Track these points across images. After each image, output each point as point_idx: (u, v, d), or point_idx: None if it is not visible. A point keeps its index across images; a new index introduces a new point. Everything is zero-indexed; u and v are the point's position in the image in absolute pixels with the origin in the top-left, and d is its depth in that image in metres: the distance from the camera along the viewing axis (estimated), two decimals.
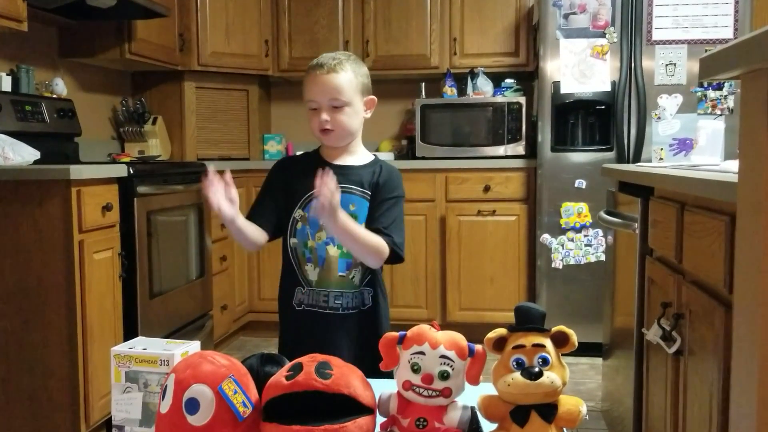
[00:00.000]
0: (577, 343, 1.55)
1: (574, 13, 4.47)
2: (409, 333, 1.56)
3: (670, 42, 4.39)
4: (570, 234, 4.58)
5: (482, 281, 4.91)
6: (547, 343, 1.52)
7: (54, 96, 4.15)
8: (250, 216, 2.31)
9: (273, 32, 5.49)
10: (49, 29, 4.31)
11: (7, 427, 3.17)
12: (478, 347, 1.54)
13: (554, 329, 1.54)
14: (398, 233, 2.26)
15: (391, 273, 5.00)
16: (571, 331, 1.54)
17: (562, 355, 1.55)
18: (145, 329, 3.51)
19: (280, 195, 2.32)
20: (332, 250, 2.25)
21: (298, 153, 2.53)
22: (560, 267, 4.61)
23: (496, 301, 4.88)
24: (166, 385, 1.48)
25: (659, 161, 4.37)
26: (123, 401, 1.63)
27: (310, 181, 2.07)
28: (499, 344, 1.54)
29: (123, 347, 1.66)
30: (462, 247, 4.93)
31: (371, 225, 2.24)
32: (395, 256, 2.26)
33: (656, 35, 4.40)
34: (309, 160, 2.37)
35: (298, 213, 2.28)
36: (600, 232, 4.49)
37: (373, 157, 2.41)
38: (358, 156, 2.38)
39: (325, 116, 2.22)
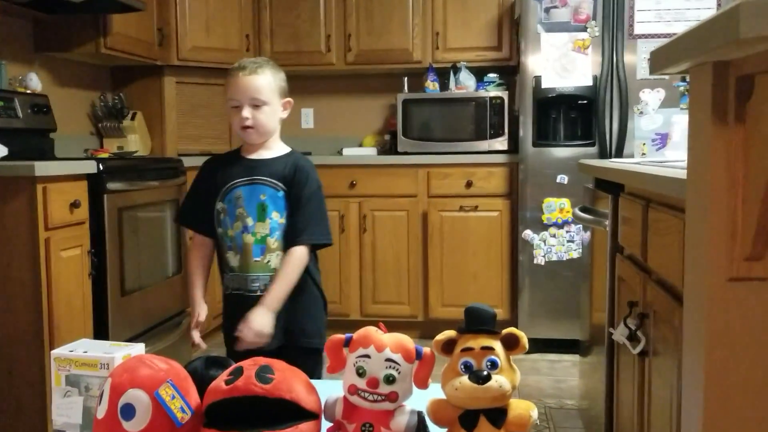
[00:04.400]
0: (527, 346, 1.51)
1: (555, 7, 4.42)
2: (355, 335, 1.52)
3: (653, 36, 4.34)
4: (552, 230, 4.54)
5: (465, 277, 4.87)
6: (497, 345, 1.48)
7: (28, 91, 4.08)
8: (190, 219, 2.70)
9: (254, 26, 5.43)
10: (23, 23, 4.25)
11: None
12: (426, 350, 1.51)
13: (504, 331, 1.51)
14: (317, 226, 2.52)
15: (373, 269, 4.97)
16: (521, 333, 1.50)
17: (520, 355, 1.52)
18: (116, 328, 3.46)
19: (209, 192, 2.55)
20: (248, 238, 2.48)
21: (222, 153, 2.74)
22: (542, 263, 4.57)
23: (478, 297, 4.81)
24: (103, 390, 1.44)
25: (642, 156, 4.33)
26: (63, 406, 1.59)
27: (228, 173, 2.52)
28: (449, 346, 1.50)
29: (63, 350, 1.61)
30: (444, 243, 4.88)
31: (289, 229, 2.49)
32: (320, 246, 2.59)
33: (638, 29, 4.35)
34: (230, 156, 2.62)
35: (219, 205, 2.53)
36: (582, 227, 4.45)
37: (288, 150, 2.63)
38: (274, 151, 2.60)
39: (246, 113, 2.46)
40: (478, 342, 1.47)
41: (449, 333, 1.51)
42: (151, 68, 5.10)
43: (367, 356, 1.47)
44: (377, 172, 4.96)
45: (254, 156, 2.56)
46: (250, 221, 2.47)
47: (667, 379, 1.82)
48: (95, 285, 3.38)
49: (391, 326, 1.59)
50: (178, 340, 4.08)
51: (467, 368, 1.46)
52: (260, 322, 2.43)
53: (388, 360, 1.46)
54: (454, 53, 5.21)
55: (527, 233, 4.58)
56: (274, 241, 2.48)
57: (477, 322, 1.51)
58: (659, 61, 1.36)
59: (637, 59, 4.38)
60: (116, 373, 1.47)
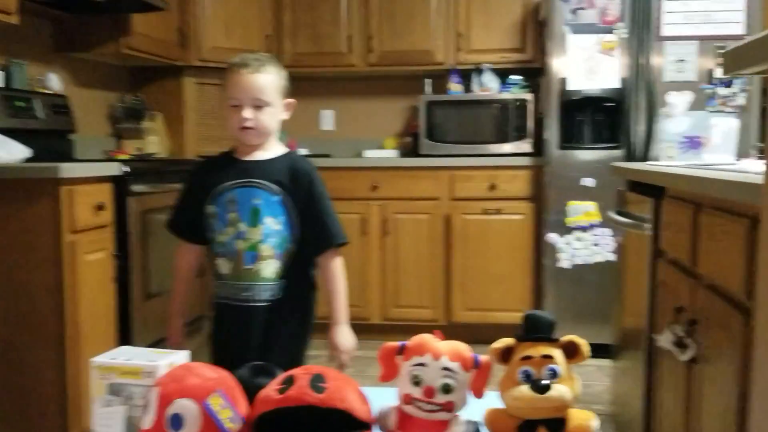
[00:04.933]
0: (589, 354, 1.46)
1: (582, 8, 4.36)
2: (409, 343, 1.47)
3: (680, 38, 4.28)
4: (577, 233, 4.48)
5: (488, 281, 4.82)
6: (557, 353, 1.44)
7: (48, 92, 4.04)
8: (181, 227, 2.53)
9: (275, 27, 5.37)
10: (43, 22, 4.20)
11: None
12: (483, 358, 1.46)
13: (564, 339, 1.46)
14: (337, 227, 2.42)
15: (395, 273, 4.92)
16: (582, 341, 1.46)
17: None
18: (139, 332, 3.41)
19: (200, 195, 2.40)
20: (240, 244, 2.33)
21: (214, 155, 2.59)
22: (567, 267, 4.51)
23: (502, 302, 4.78)
24: (149, 399, 1.40)
25: (669, 159, 4.27)
26: (105, 415, 1.54)
27: (220, 175, 2.36)
28: (506, 355, 1.46)
29: (105, 358, 1.57)
30: (467, 247, 4.83)
31: (312, 235, 2.37)
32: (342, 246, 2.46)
33: (666, 31, 4.29)
34: (222, 158, 2.47)
35: (210, 209, 2.37)
36: (608, 231, 4.39)
37: (285, 151, 2.47)
38: (270, 152, 2.43)
39: (247, 114, 2.30)
40: (537, 350, 1.43)
41: (507, 341, 1.47)
42: (170, 69, 5.06)
43: (423, 365, 1.43)
44: (399, 174, 4.91)
45: (249, 157, 2.39)
46: (243, 226, 2.31)
47: (721, 386, 1.76)
48: (119, 289, 3.33)
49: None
50: (200, 346, 4.03)
51: (527, 377, 1.41)
52: (345, 339, 2.43)
53: (445, 369, 1.42)
54: (478, 55, 5.15)
55: (552, 236, 4.52)
56: (267, 248, 2.32)
57: (536, 329, 1.47)
58: (735, 61, 1.30)
59: (664, 61, 4.31)
60: (164, 382, 1.42)
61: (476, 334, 5.08)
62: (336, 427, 1.40)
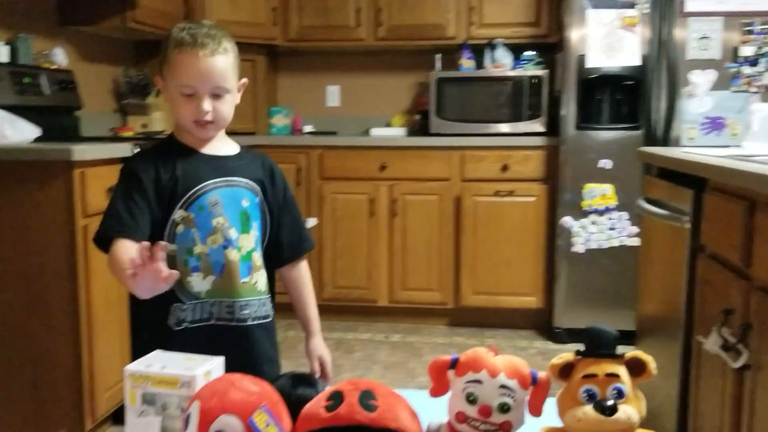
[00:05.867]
0: (655, 371, 1.37)
1: None
2: (463, 357, 1.38)
3: (705, 14, 4.14)
4: (593, 217, 4.38)
5: (498, 265, 4.72)
6: (622, 371, 1.34)
7: (54, 67, 3.92)
8: (121, 228, 1.85)
9: None
10: None
11: (10, 421, 3.02)
12: (541, 375, 1.37)
13: (628, 355, 1.37)
14: (307, 232, 2.18)
15: (403, 254, 4.83)
16: (648, 358, 1.37)
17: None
18: None
19: (151, 196, 1.91)
20: (232, 254, 1.94)
21: (150, 146, 2.15)
22: (582, 251, 4.42)
23: (512, 286, 4.69)
24: (189, 414, 1.32)
25: (690, 141, 4.17)
26: (138, 426, 1.46)
27: (191, 173, 1.93)
28: (566, 371, 1.37)
29: (139, 366, 1.48)
30: (478, 229, 4.73)
31: (285, 240, 2.08)
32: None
33: (690, 6, 4.16)
34: (173, 150, 1.99)
35: (178, 214, 1.92)
36: (625, 215, 4.29)
37: (239, 146, 2.10)
38: (228, 144, 2.07)
39: (207, 106, 1.89)
40: (601, 368, 1.34)
41: (567, 356, 1.38)
42: None
43: (479, 381, 1.34)
44: (409, 154, 4.80)
45: (208, 151, 2.00)
46: (233, 233, 1.93)
47: None
48: None
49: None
50: None
51: (590, 397, 1.32)
52: (326, 350, 2.13)
53: (503, 387, 1.33)
54: (490, 29, 5.00)
55: (566, 220, 4.43)
56: (258, 257, 2.00)
57: (599, 344, 1.37)
58: None
59: (687, 38, 4.18)
60: (204, 396, 1.34)
61: (484, 319, 5.05)
62: None
